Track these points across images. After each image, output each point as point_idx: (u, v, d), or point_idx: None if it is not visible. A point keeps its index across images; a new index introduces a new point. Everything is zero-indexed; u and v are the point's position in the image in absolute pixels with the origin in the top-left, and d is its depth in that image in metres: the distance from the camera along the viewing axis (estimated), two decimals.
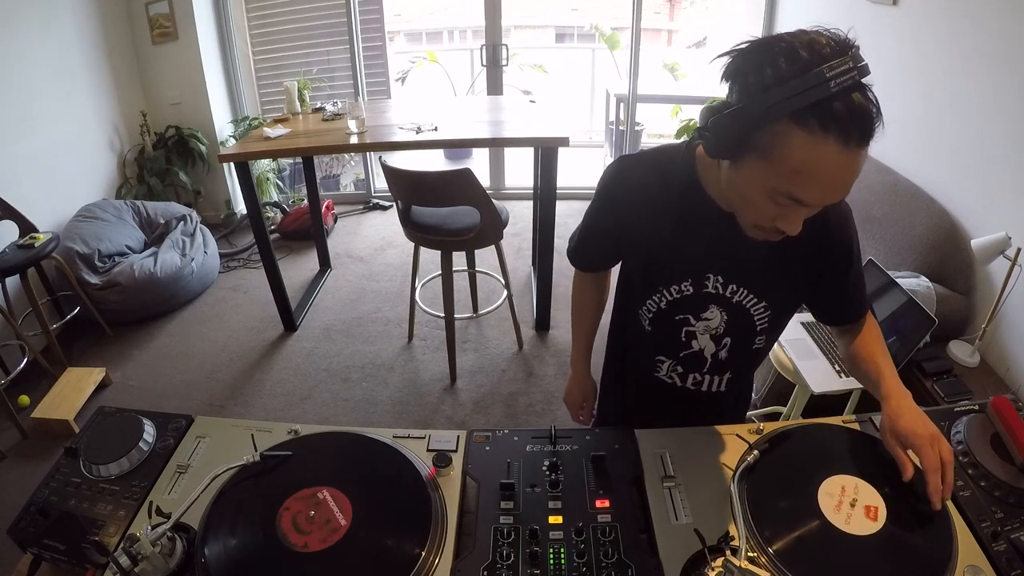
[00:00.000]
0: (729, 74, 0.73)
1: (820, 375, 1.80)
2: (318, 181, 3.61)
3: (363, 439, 0.91)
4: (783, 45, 0.68)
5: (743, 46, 0.72)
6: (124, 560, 0.68)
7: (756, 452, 0.83)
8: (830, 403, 1.78)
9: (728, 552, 0.70)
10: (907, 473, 0.78)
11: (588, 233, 1.06)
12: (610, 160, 5.25)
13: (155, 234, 3.42)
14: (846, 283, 0.96)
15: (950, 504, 0.79)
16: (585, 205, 1.05)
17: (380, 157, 2.61)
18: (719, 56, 0.74)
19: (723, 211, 0.87)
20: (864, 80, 0.66)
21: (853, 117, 0.65)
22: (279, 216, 4.15)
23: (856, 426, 0.93)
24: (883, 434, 0.84)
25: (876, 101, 0.67)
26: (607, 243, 1.03)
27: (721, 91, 0.74)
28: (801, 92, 0.65)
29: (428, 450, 0.89)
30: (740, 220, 0.82)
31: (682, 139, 0.89)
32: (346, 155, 4.65)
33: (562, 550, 0.73)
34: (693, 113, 4.08)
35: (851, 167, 0.68)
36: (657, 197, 0.91)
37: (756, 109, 0.68)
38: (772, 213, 0.75)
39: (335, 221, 4.26)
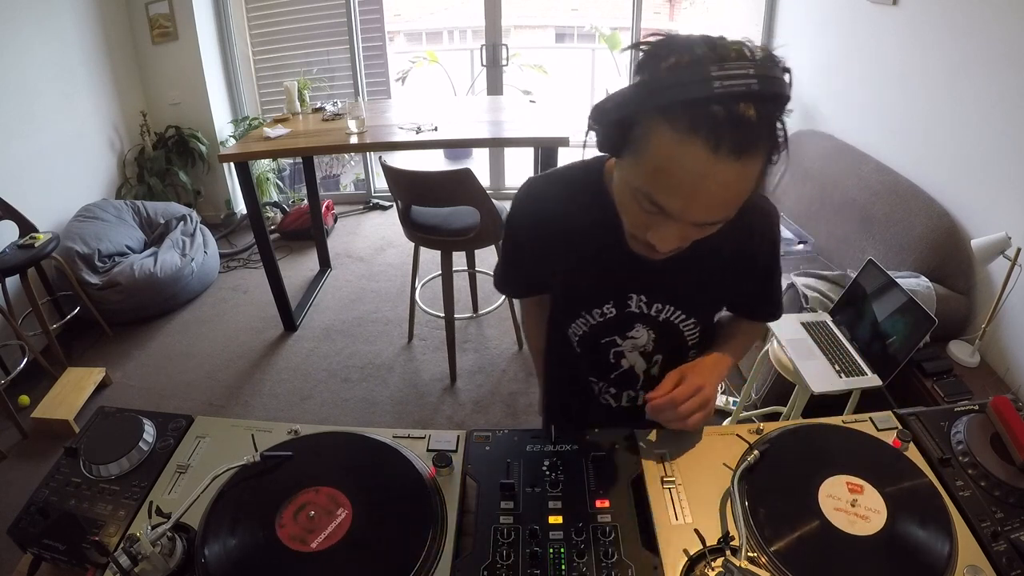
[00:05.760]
0: (637, 68, 0.67)
1: (820, 375, 1.80)
2: (318, 181, 3.61)
3: (363, 439, 0.91)
4: (688, 41, 0.63)
5: (651, 39, 0.66)
6: (124, 560, 0.68)
7: (756, 452, 0.83)
8: (830, 403, 1.78)
9: (728, 552, 0.70)
10: (653, 395, 0.83)
11: (508, 263, 1.01)
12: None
13: (155, 234, 3.42)
14: (769, 287, 0.97)
15: (950, 504, 0.79)
16: None
17: (380, 157, 2.61)
18: (630, 47, 0.69)
19: None
20: (772, 98, 0.61)
21: (730, 123, 0.58)
22: (279, 216, 4.15)
23: (856, 426, 0.93)
24: (672, 371, 0.87)
25: (770, 120, 0.62)
26: (530, 269, 0.98)
27: None
28: (677, 85, 0.59)
29: (428, 450, 0.89)
30: (625, 229, 0.77)
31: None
32: (346, 155, 4.65)
33: (562, 550, 0.73)
34: None
35: (719, 179, 0.62)
36: (568, 219, 0.87)
37: (632, 98, 0.64)
38: (642, 222, 0.71)
39: (335, 221, 4.26)
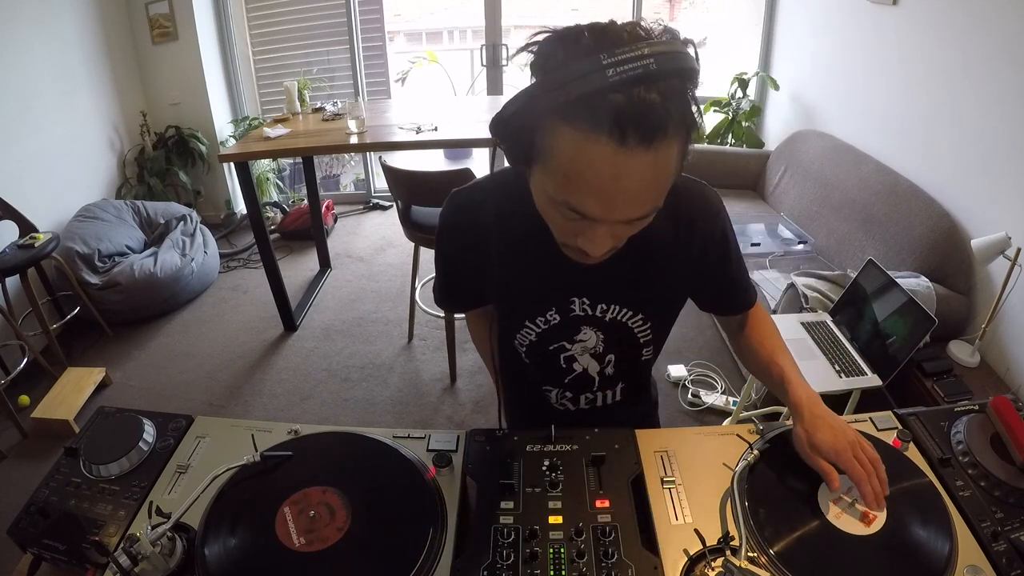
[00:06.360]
0: (530, 71, 0.63)
1: (820, 375, 1.80)
2: (318, 181, 3.62)
3: (363, 439, 0.91)
4: (572, 33, 0.58)
5: (539, 37, 0.62)
6: (124, 560, 0.68)
7: (756, 452, 0.83)
8: (830, 403, 1.77)
9: (728, 552, 0.70)
10: (834, 485, 0.75)
11: (444, 279, 0.98)
12: None
13: (155, 234, 3.42)
14: (727, 276, 0.92)
15: (950, 504, 0.79)
16: None
17: (380, 157, 2.61)
18: (519, 51, 0.64)
19: None
20: (675, 75, 0.56)
21: (632, 112, 0.54)
22: (279, 216, 4.15)
23: (856, 426, 0.93)
24: (801, 447, 0.80)
25: (679, 98, 0.57)
26: (466, 283, 0.95)
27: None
28: (569, 82, 0.55)
29: (428, 450, 0.89)
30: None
31: None
32: (346, 155, 4.65)
33: (562, 550, 0.73)
34: None
35: (634, 173, 0.58)
36: (498, 229, 0.83)
37: (526, 105, 0.60)
38: (567, 229, 0.68)
39: (335, 221, 4.26)
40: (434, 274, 1.01)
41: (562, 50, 0.58)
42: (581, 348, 0.94)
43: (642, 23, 0.58)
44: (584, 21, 0.61)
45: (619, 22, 0.59)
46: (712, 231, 0.86)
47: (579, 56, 0.56)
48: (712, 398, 2.44)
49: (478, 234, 0.85)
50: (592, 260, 0.71)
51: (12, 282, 2.57)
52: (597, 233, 0.66)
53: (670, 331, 0.99)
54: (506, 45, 4.03)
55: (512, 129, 0.64)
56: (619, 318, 0.90)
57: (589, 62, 0.54)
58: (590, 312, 0.89)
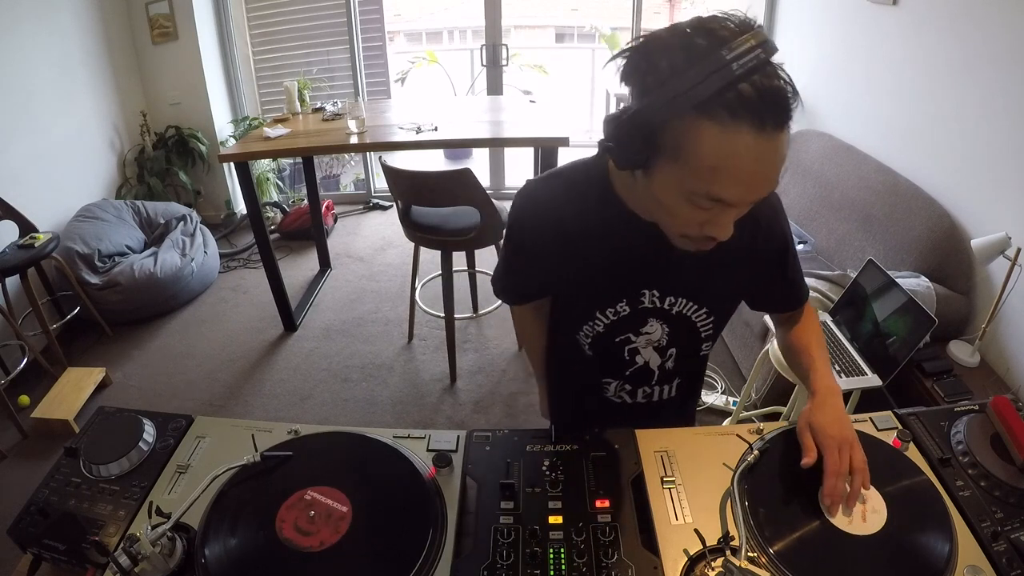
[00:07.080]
0: (626, 76, 0.66)
1: None
2: (318, 181, 3.62)
3: (363, 439, 0.91)
4: (678, 35, 0.63)
5: (636, 43, 0.66)
6: (124, 560, 0.68)
7: (756, 452, 0.83)
8: None
9: (728, 552, 0.70)
10: (807, 458, 0.78)
11: (510, 270, 1.00)
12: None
13: (155, 234, 3.42)
14: (784, 275, 0.95)
15: (950, 504, 0.79)
16: None
17: (380, 157, 2.61)
18: (614, 57, 0.67)
19: (646, 222, 0.81)
20: (773, 59, 0.61)
21: (764, 99, 0.60)
22: (279, 216, 4.15)
23: (856, 426, 0.93)
24: (800, 420, 0.84)
25: (788, 79, 0.63)
26: (533, 276, 0.97)
27: None
28: (702, 80, 0.59)
29: (428, 450, 0.89)
30: (666, 231, 0.77)
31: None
32: (346, 155, 4.65)
33: (562, 550, 0.73)
34: None
35: (772, 154, 0.63)
36: (574, 220, 0.85)
37: (656, 107, 0.63)
38: (697, 219, 0.70)
39: (335, 221, 4.26)
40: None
41: (680, 51, 0.61)
42: (646, 340, 0.96)
43: (720, 17, 0.62)
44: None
45: (706, 17, 0.63)
46: (772, 228, 0.89)
47: (701, 55, 0.60)
48: (712, 398, 2.44)
49: (549, 228, 0.87)
50: (709, 246, 0.74)
51: (12, 282, 2.57)
52: (728, 216, 0.70)
53: (723, 328, 1.01)
54: (506, 45, 4.04)
55: (630, 129, 0.66)
56: (684, 311, 0.92)
57: (715, 59, 0.59)
58: (659, 304, 0.92)
